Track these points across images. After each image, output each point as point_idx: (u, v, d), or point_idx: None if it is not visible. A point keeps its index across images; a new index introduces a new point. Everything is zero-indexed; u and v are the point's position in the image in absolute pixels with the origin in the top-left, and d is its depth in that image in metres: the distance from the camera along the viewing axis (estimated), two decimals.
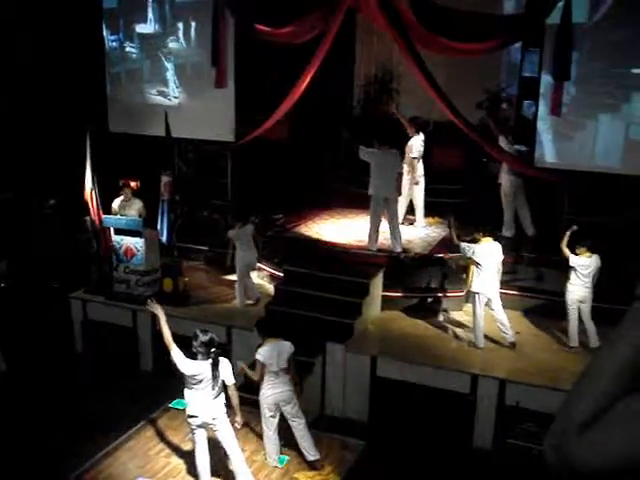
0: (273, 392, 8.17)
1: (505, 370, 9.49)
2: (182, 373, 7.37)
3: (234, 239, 11.24)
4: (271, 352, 8.10)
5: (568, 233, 9.79)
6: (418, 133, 13.02)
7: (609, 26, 11.17)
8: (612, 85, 11.30)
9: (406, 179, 12.88)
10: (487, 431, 9.36)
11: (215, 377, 7.34)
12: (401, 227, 12.35)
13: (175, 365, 7.35)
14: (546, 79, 11.68)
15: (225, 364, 7.49)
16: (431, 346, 10.27)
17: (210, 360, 7.33)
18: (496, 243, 9.97)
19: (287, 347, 8.24)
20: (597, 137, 11.66)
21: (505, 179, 12.30)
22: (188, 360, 7.37)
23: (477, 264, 9.74)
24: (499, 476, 8.48)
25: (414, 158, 12.90)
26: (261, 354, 8.08)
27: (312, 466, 8.46)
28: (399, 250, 11.72)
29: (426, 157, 13.57)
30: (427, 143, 13.25)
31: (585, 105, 11.63)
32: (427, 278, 11.40)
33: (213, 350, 7.34)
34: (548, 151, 12.01)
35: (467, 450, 9.31)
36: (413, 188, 13.08)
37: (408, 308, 11.32)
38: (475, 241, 9.92)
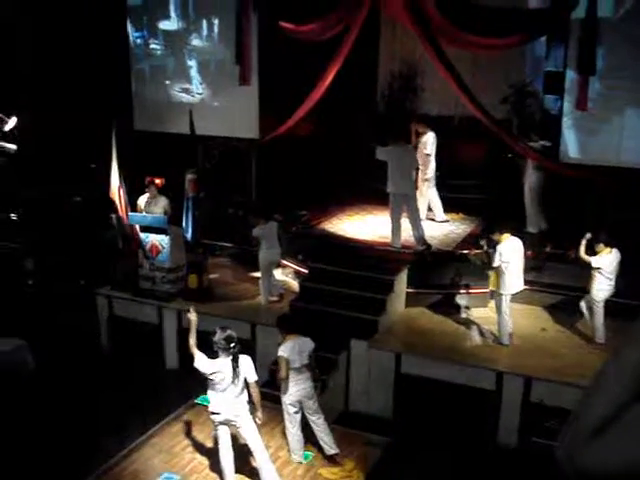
0: (297, 389, 8.20)
1: (530, 367, 9.43)
2: (204, 374, 7.43)
3: (259, 237, 11.24)
4: (292, 349, 8.14)
5: (584, 242, 9.73)
6: (429, 130, 13.01)
7: (635, 20, 11.04)
8: (638, 80, 11.16)
9: (420, 176, 12.90)
10: (512, 429, 9.32)
11: (236, 374, 7.37)
12: (424, 223, 12.39)
13: (198, 370, 7.42)
14: (571, 74, 11.58)
15: (247, 361, 7.51)
16: (456, 343, 10.24)
17: (230, 357, 7.37)
18: (516, 239, 9.92)
19: (308, 343, 8.29)
20: (623, 132, 11.53)
21: (532, 175, 12.22)
22: (209, 360, 7.43)
23: (505, 264, 9.69)
24: (524, 474, 8.44)
25: (428, 155, 12.89)
26: (284, 351, 8.12)
27: (332, 460, 8.48)
28: (421, 246, 11.71)
29: (450, 153, 13.54)
30: (452, 139, 13.22)
31: (611, 100, 11.50)
32: (451, 274, 11.36)
33: (232, 346, 7.37)
34: (573, 146, 11.90)
35: (492, 448, 9.27)
36: (425, 185, 13.09)
37: (433, 304, 11.30)
38: (496, 242, 9.86)
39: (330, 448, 8.50)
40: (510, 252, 9.71)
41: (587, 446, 1.29)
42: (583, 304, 10.05)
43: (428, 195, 13.24)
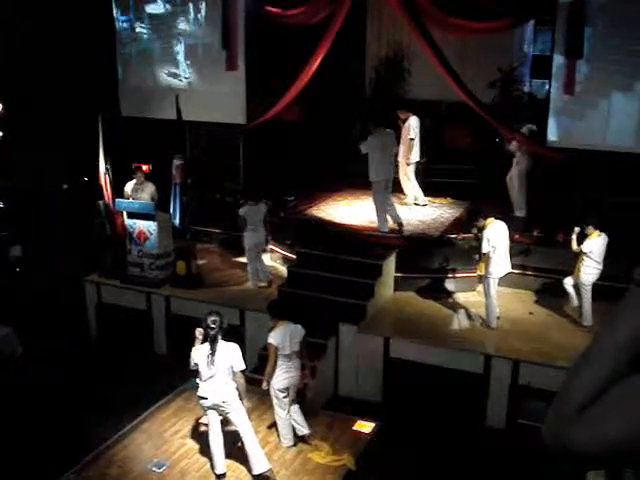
0: (286, 376, 8.20)
1: (518, 350, 9.49)
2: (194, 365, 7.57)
3: (245, 217, 11.18)
4: (283, 335, 8.11)
5: (574, 237, 9.76)
6: (412, 115, 13.02)
7: (622, 2, 11.05)
8: (625, 63, 11.16)
9: (402, 159, 12.91)
10: (500, 411, 9.38)
11: (211, 359, 7.38)
12: (413, 208, 12.63)
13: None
14: (559, 58, 11.58)
15: (234, 349, 7.51)
16: (444, 327, 10.29)
17: (215, 341, 7.42)
18: (501, 222, 9.95)
19: (299, 330, 8.25)
20: (610, 116, 11.56)
21: (522, 159, 12.25)
22: (195, 349, 7.56)
23: (492, 248, 9.73)
24: (511, 456, 8.50)
25: (412, 139, 12.90)
26: (273, 337, 8.10)
27: (304, 440, 8.55)
28: (399, 226, 11.83)
29: (439, 137, 13.55)
30: (440, 123, 13.22)
31: (598, 83, 11.52)
32: (439, 259, 11.39)
33: (210, 330, 7.38)
34: (561, 130, 11.92)
35: (480, 430, 9.34)
36: (407, 169, 13.10)
37: (421, 289, 11.33)
38: (482, 227, 9.89)
39: (302, 428, 8.55)
40: (496, 236, 9.75)
41: (571, 425, 1.30)
42: (568, 283, 10.07)
43: (412, 179, 13.25)
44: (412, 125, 12.91)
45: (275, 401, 8.36)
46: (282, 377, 8.19)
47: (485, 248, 9.71)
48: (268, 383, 8.16)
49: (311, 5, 12.13)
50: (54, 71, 14.43)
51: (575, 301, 10.09)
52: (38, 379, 10.19)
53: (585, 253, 9.63)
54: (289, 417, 8.46)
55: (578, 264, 9.82)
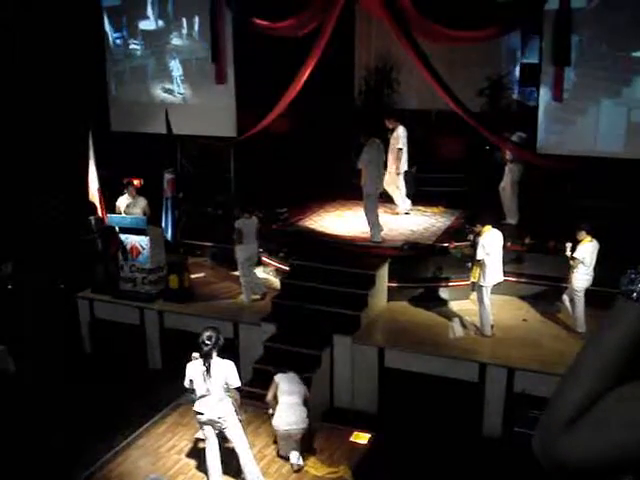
0: (286, 415, 8.31)
1: (513, 358, 9.49)
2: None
3: (241, 230, 11.15)
4: (286, 379, 8.42)
5: (569, 253, 9.74)
6: (399, 125, 13.05)
7: (608, 10, 11.11)
8: (613, 69, 11.23)
9: (392, 169, 12.92)
10: (496, 419, 9.38)
11: (206, 375, 7.36)
12: (404, 217, 12.76)
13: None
14: (547, 65, 11.64)
15: (229, 366, 7.48)
16: (438, 336, 10.28)
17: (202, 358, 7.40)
18: (497, 230, 9.98)
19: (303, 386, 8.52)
20: (599, 122, 11.62)
21: (514, 167, 12.29)
22: (188, 369, 7.56)
23: (487, 255, 9.75)
24: (508, 464, 8.48)
25: (400, 149, 12.92)
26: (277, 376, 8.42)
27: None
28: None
29: (429, 146, 13.58)
30: (430, 132, 13.25)
31: (586, 90, 11.58)
32: (432, 268, 11.40)
33: (204, 347, 7.36)
34: (550, 137, 11.97)
35: (476, 438, 9.32)
36: (397, 178, 13.12)
37: (414, 298, 11.32)
38: (478, 234, 9.92)
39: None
40: (491, 244, 9.77)
41: (561, 436, 1.30)
42: (565, 297, 10.11)
43: (400, 187, 13.26)
44: (400, 135, 12.93)
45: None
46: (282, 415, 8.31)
47: (480, 255, 9.73)
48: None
49: (299, 17, 12.16)
50: (44, 87, 14.42)
51: (569, 308, 10.10)
52: (31, 396, 10.14)
53: (577, 259, 9.64)
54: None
55: (570, 270, 9.83)
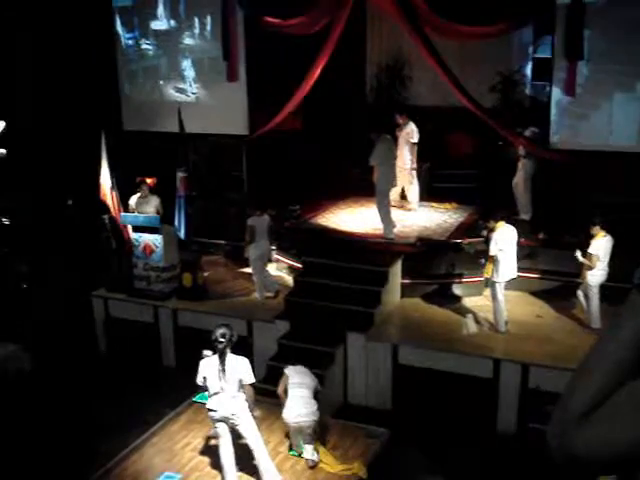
0: (296, 406, 8.30)
1: (527, 354, 9.46)
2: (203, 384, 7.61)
3: (254, 228, 11.17)
4: (297, 371, 8.43)
5: (580, 259, 9.67)
6: (410, 120, 13.04)
7: (621, 4, 11.06)
8: (626, 63, 11.18)
9: (408, 165, 12.89)
10: (510, 415, 9.35)
11: (222, 372, 7.37)
12: (417, 214, 12.80)
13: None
14: (559, 60, 11.59)
15: (243, 363, 7.49)
16: (452, 332, 10.26)
17: (217, 354, 7.41)
18: (511, 226, 9.94)
19: (313, 377, 8.49)
20: (612, 116, 11.57)
21: (526, 163, 12.25)
22: (201, 365, 7.57)
23: (500, 251, 9.72)
24: (523, 460, 8.46)
25: (414, 144, 12.91)
26: (288, 369, 8.44)
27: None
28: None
29: (441, 142, 13.56)
30: (442, 128, 13.22)
31: (599, 85, 11.53)
32: (446, 264, 11.37)
33: (218, 343, 7.36)
34: (563, 132, 11.92)
35: (491, 435, 9.30)
36: (411, 174, 13.09)
37: (428, 295, 11.30)
38: (491, 229, 9.90)
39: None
40: (505, 239, 9.74)
41: (574, 431, 1.29)
42: (580, 292, 10.07)
43: (415, 183, 13.25)
44: (414, 130, 12.90)
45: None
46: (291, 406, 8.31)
47: (493, 250, 9.70)
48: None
49: (311, 14, 12.17)
50: (57, 87, 14.49)
51: (584, 304, 10.06)
52: (47, 395, 10.20)
53: (592, 255, 9.59)
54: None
55: (585, 267, 9.78)
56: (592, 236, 9.65)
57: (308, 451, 8.31)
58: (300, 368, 8.44)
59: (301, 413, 8.18)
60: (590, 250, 9.58)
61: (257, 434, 7.75)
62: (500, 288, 9.95)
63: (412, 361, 9.86)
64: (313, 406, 8.24)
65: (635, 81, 11.32)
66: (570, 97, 11.56)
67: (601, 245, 9.58)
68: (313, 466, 8.26)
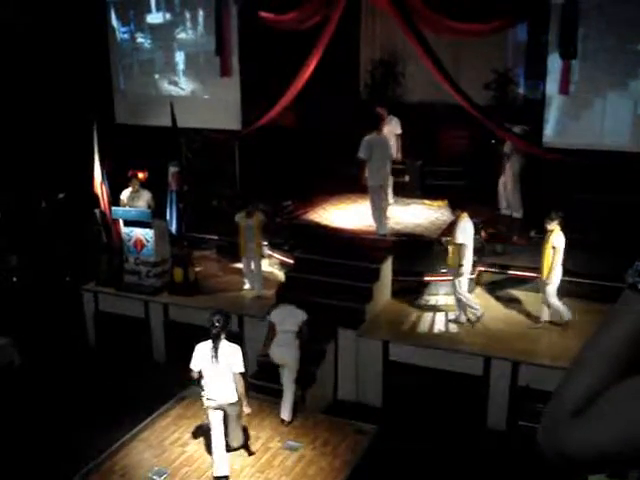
0: (278, 350, 8.71)
1: (517, 351, 9.46)
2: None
3: (240, 223, 11.13)
4: (281, 314, 8.75)
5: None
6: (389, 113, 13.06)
7: (615, 3, 11.07)
8: (619, 62, 11.21)
9: (393, 157, 12.82)
10: (500, 413, 9.35)
11: (214, 357, 7.41)
12: (410, 211, 12.88)
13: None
14: (553, 58, 11.59)
15: (235, 350, 7.55)
16: (442, 329, 10.26)
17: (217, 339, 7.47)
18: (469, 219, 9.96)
19: (299, 313, 8.78)
20: (605, 115, 11.59)
21: (515, 161, 12.25)
22: (194, 355, 7.63)
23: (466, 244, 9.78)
24: (512, 458, 8.47)
25: (399, 135, 12.92)
26: (271, 314, 8.81)
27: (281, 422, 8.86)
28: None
29: (434, 139, 13.54)
30: (435, 125, 13.21)
31: (593, 83, 11.55)
32: (436, 261, 11.36)
33: (217, 327, 7.44)
34: (556, 130, 11.94)
35: (481, 432, 9.31)
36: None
37: (419, 291, 11.28)
38: (457, 218, 9.92)
39: (283, 413, 8.82)
40: (469, 231, 9.81)
41: (566, 427, 1.28)
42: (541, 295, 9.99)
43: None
44: (397, 122, 12.93)
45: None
46: (274, 350, 8.76)
47: (460, 238, 9.69)
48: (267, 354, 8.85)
49: (304, 10, 12.14)
50: (49, 80, 14.42)
51: (546, 310, 9.98)
52: (36, 389, 10.16)
53: (554, 248, 9.45)
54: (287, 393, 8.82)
55: (546, 262, 9.59)
56: (549, 231, 9.49)
57: (285, 411, 8.77)
58: (284, 308, 8.92)
59: (282, 352, 8.74)
60: (556, 244, 9.44)
61: (238, 426, 8.07)
62: (465, 282, 10.01)
63: (403, 358, 9.86)
64: (294, 349, 8.74)
65: (628, 80, 11.35)
66: (564, 95, 11.56)
67: (563, 240, 9.49)
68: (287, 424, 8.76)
